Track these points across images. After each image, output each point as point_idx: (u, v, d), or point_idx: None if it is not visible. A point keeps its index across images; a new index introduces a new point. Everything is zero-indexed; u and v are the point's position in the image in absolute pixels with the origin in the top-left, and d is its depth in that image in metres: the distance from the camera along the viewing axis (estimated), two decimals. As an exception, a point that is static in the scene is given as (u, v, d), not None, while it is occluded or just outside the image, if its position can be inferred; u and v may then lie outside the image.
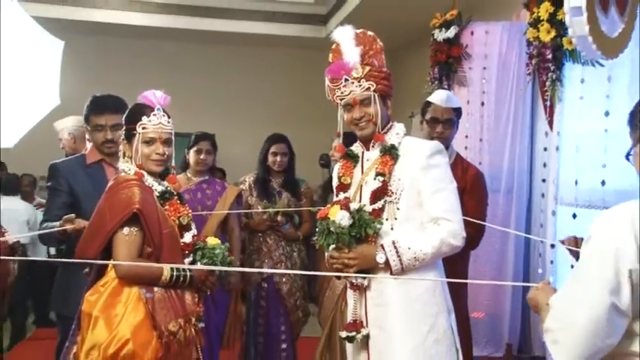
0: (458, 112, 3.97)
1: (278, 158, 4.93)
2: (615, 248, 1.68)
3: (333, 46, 2.82)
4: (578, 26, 3.08)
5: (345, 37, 2.77)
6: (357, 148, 2.90)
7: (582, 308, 1.73)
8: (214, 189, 4.61)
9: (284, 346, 4.93)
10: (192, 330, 2.70)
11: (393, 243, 2.64)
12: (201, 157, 4.61)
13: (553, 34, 4.17)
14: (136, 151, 2.76)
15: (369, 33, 2.81)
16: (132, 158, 2.79)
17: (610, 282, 1.68)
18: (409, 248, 2.63)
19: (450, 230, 2.66)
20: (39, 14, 4.95)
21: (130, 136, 2.79)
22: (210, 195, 4.58)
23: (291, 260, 4.97)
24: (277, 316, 4.91)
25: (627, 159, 1.92)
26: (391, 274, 2.67)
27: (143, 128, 2.74)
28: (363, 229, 2.64)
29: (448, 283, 2.83)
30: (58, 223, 3.16)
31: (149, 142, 2.76)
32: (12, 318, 6.70)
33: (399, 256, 2.63)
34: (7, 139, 4.52)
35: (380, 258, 2.64)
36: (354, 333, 2.73)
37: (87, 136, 4.20)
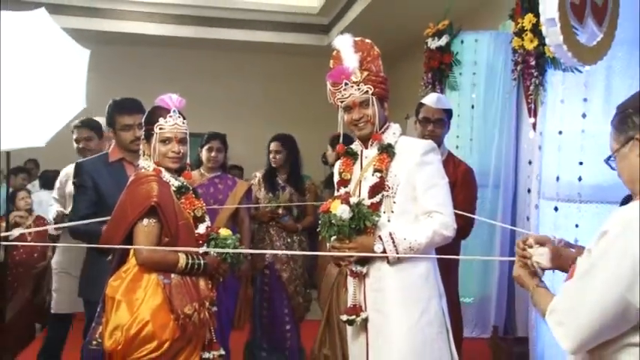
0: (448, 112, 3.97)
1: (272, 155, 5.00)
2: (635, 248, 1.61)
3: (334, 53, 2.81)
4: (553, 36, 3.11)
5: (344, 45, 2.76)
6: (356, 146, 2.90)
7: (594, 300, 1.66)
8: (226, 184, 4.62)
9: (287, 327, 4.94)
10: (206, 313, 2.70)
11: (390, 234, 2.65)
12: (212, 154, 4.62)
13: (536, 42, 4.15)
14: (154, 149, 2.77)
15: (367, 41, 2.80)
16: (150, 156, 2.80)
17: (626, 278, 1.62)
18: (405, 239, 2.63)
19: (442, 222, 2.66)
20: (68, 25, 4.97)
21: (148, 136, 2.79)
22: (222, 190, 4.58)
23: (291, 250, 4.96)
24: (280, 300, 4.92)
25: (607, 163, 1.87)
26: (388, 263, 2.67)
27: (160, 129, 2.75)
28: (362, 222, 2.64)
29: (440, 270, 2.83)
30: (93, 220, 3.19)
31: (166, 141, 2.76)
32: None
33: (395, 246, 2.63)
34: (39, 139, 4.54)
35: (378, 248, 2.64)
36: (353, 316, 2.73)
37: (75, 136, 4.19)
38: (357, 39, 2.79)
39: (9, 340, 5.35)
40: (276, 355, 4.94)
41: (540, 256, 2.09)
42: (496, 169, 5.72)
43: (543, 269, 2.08)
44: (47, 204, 6.85)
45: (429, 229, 2.65)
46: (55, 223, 4.17)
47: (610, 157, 1.86)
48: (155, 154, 2.77)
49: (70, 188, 4.09)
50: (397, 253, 2.63)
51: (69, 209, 4.06)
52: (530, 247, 2.11)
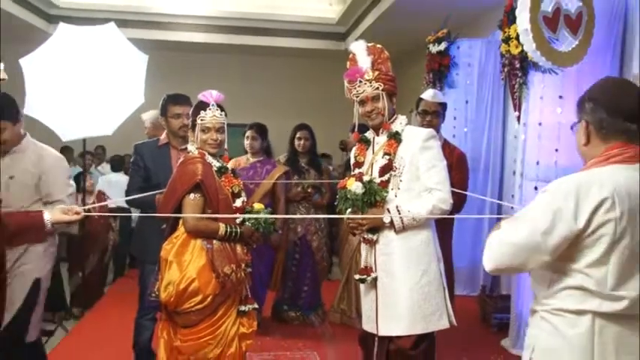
0: (443, 105, 3.95)
1: (301, 142, 4.92)
2: (558, 206, 1.71)
3: (350, 56, 2.79)
4: (528, 44, 3.26)
5: (359, 49, 2.75)
6: (369, 134, 2.87)
7: (515, 237, 1.77)
8: (265, 168, 4.57)
9: (305, 288, 4.95)
10: (242, 273, 2.70)
11: (397, 207, 2.63)
12: (248, 142, 4.59)
13: (520, 48, 4.09)
14: (197, 137, 2.76)
15: (378, 45, 2.77)
16: (194, 142, 2.79)
17: (544, 225, 1.70)
18: (409, 211, 2.61)
19: (440, 198, 2.63)
20: (131, 36, 5.00)
21: (193, 126, 2.78)
22: (261, 172, 4.53)
23: (319, 223, 4.95)
24: (306, 265, 4.91)
25: (572, 129, 1.92)
26: (395, 231, 2.65)
27: (201, 120, 2.74)
28: (373, 196, 2.63)
29: (439, 238, 2.81)
30: (145, 194, 3.20)
31: (205, 130, 2.75)
32: (114, 261, 6.82)
33: (400, 218, 2.62)
34: (107, 128, 4.60)
35: (386, 219, 2.62)
36: (365, 276, 2.72)
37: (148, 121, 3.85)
38: (369, 44, 2.76)
39: (87, 292, 5.51)
40: (295, 309, 4.96)
41: None
42: (486, 155, 5.69)
43: None
44: (117, 183, 7.03)
45: (429, 204, 2.62)
46: None
47: (572, 126, 1.92)
48: (198, 141, 2.76)
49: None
50: (402, 223, 2.61)
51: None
52: None
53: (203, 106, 2.75)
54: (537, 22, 3.24)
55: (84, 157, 5.78)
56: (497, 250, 1.82)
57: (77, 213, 2.15)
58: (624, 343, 1.75)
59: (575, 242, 1.72)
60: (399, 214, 2.60)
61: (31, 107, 4.54)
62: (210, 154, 2.78)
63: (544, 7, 3.30)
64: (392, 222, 2.62)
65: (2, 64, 1.53)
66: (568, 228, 1.70)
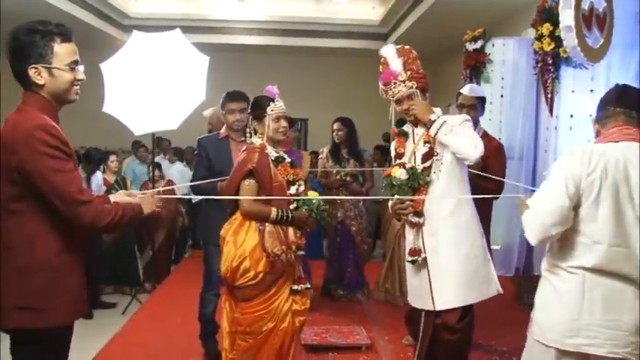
0: (481, 99, 3.87)
1: (335, 133, 4.97)
2: (562, 164, 1.99)
3: (381, 60, 2.77)
4: (570, 40, 3.29)
5: (389, 53, 2.74)
6: (407, 127, 2.85)
7: (545, 202, 1.99)
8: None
9: (349, 269, 5.00)
10: (292, 255, 2.69)
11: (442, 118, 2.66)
12: None
13: (552, 45, 4.01)
14: (268, 127, 2.77)
15: (406, 47, 2.76)
16: (264, 133, 2.78)
17: (565, 186, 1.92)
18: (452, 127, 2.61)
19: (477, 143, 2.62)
20: (194, 40, 5.11)
21: (260, 117, 2.80)
22: None
23: (358, 208, 4.98)
24: (347, 248, 4.96)
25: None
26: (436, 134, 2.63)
27: (272, 110, 2.77)
28: (417, 181, 2.65)
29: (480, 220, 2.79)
30: (207, 181, 3.28)
31: (276, 119, 2.78)
32: (177, 242, 7.02)
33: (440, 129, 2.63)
34: (173, 123, 4.70)
35: (433, 116, 2.64)
36: (416, 257, 2.71)
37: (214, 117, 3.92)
38: (398, 47, 2.75)
39: (157, 269, 5.75)
40: (341, 287, 5.02)
41: None
42: (520, 145, 5.51)
43: None
44: (179, 172, 7.21)
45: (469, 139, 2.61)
46: None
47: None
48: (269, 130, 2.77)
49: None
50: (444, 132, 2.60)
51: None
52: None
53: (270, 99, 2.78)
54: (579, 20, 3.23)
55: (154, 150, 5.93)
56: (533, 221, 2.00)
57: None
58: (611, 300, 1.87)
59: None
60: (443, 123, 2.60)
61: (109, 105, 4.70)
62: (276, 141, 2.81)
63: (583, 5, 3.29)
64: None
65: (82, 66, 1.62)
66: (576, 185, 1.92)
